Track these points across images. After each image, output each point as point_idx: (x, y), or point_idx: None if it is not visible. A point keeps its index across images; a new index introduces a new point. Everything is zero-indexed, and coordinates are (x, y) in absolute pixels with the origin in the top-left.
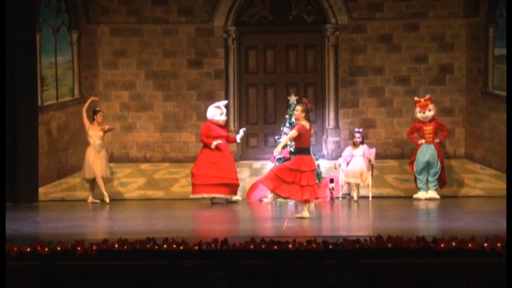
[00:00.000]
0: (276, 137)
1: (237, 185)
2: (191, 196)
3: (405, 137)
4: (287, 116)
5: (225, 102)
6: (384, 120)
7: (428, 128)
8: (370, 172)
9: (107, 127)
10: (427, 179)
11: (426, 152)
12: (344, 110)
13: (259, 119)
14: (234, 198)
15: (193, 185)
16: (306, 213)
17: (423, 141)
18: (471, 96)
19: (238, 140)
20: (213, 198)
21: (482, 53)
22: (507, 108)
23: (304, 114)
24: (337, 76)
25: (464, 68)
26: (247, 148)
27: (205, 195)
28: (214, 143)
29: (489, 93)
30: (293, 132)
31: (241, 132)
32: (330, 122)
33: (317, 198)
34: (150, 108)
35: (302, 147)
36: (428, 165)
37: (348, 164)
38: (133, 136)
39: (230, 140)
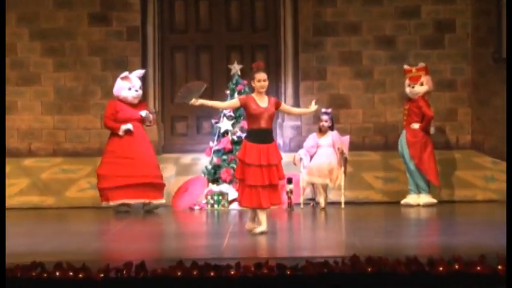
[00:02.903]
0: (213, 121)
1: (161, 185)
2: (103, 204)
3: (390, 119)
4: (228, 92)
5: (140, 72)
6: (361, 97)
7: (406, 108)
8: (343, 169)
9: None
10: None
11: (401, 142)
12: (306, 84)
13: None
14: (155, 202)
15: (101, 190)
16: (264, 225)
17: (416, 126)
18: (479, 64)
19: (147, 119)
20: (126, 205)
21: (493, 4)
22: (507, 108)
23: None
24: (297, 36)
25: (469, 26)
26: (173, 136)
27: (124, 201)
28: (123, 127)
29: (503, 61)
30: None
31: (144, 113)
32: (287, 100)
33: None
34: (36, 81)
35: (257, 129)
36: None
37: (311, 157)
38: (12, 120)
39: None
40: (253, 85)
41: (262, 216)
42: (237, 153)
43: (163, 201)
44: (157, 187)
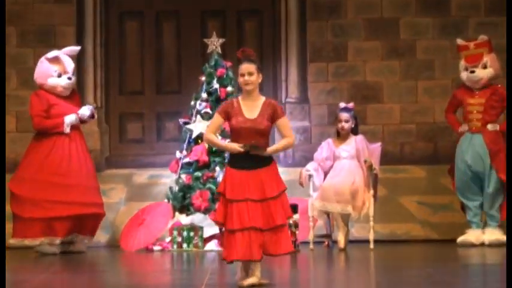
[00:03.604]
0: (182, 121)
1: (101, 216)
2: (11, 241)
3: (440, 118)
4: (204, 78)
5: (74, 49)
6: (398, 85)
7: (477, 102)
8: (372, 191)
9: None
10: (481, 205)
11: (468, 150)
12: (318, 66)
13: (145, 83)
14: (87, 241)
15: (15, 218)
16: (257, 275)
17: (466, 127)
18: None
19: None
20: (52, 244)
21: None
22: (507, 110)
23: (260, 74)
24: None
25: None
26: (122, 143)
27: (50, 239)
28: (68, 120)
29: None
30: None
31: (87, 109)
32: (290, 90)
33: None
34: None
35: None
36: (476, 177)
37: (325, 174)
38: None
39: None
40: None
41: (255, 264)
42: (217, 186)
43: (91, 239)
44: (95, 218)
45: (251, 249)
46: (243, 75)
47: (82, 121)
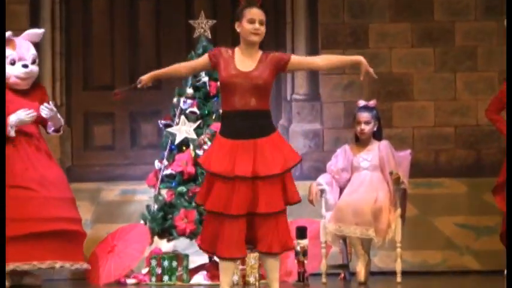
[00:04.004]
0: (162, 123)
1: (81, 236)
2: None
3: (485, 118)
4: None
5: (35, 32)
6: (433, 78)
7: None
8: (399, 211)
9: None
10: None
11: None
12: (331, 53)
13: (116, 76)
14: (73, 266)
15: None
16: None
17: None
18: None
19: (50, 129)
20: (26, 273)
21: None
22: (507, 110)
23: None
24: None
25: None
26: (88, 151)
27: (19, 266)
28: (12, 120)
29: None
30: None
31: (44, 110)
32: (298, 84)
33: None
34: None
35: (234, 111)
36: None
37: (341, 190)
38: None
39: (44, 123)
40: (238, 30)
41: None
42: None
43: (85, 265)
44: (76, 239)
45: (233, 243)
46: (252, 21)
47: (43, 123)
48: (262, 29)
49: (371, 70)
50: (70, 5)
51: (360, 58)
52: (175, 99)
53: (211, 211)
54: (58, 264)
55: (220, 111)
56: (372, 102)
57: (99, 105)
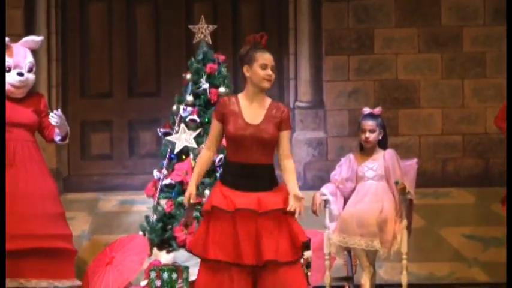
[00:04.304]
0: (161, 131)
1: (72, 253)
2: None
3: (494, 126)
4: (189, 76)
5: (33, 40)
6: (440, 85)
7: None
8: (405, 222)
9: None
10: None
11: None
12: (336, 60)
13: (114, 83)
14: (63, 285)
15: None
16: None
17: None
18: None
19: (57, 137)
20: None
21: None
22: (507, 110)
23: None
24: None
25: None
26: (85, 160)
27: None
28: None
29: None
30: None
31: (54, 118)
32: (301, 91)
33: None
34: None
35: (239, 163)
36: None
37: (345, 200)
38: None
39: (49, 136)
40: (247, 74)
41: None
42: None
43: (78, 282)
44: (65, 256)
45: None
46: (265, 67)
47: (41, 132)
48: (273, 75)
49: (296, 205)
50: (66, 9)
51: (296, 194)
52: (174, 107)
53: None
54: (45, 283)
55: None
56: (377, 110)
57: (97, 113)
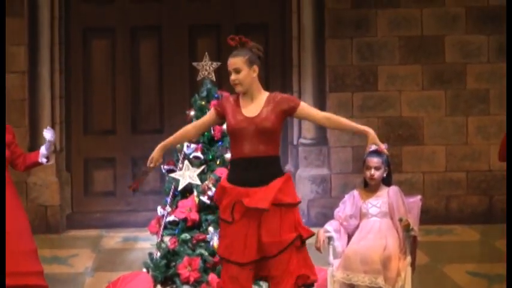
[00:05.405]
0: (165, 168)
1: None
2: None
3: (498, 164)
4: (193, 113)
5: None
6: (443, 122)
7: None
8: (409, 259)
9: None
10: None
11: None
12: (340, 97)
13: (117, 120)
14: None
15: None
16: None
17: None
18: None
19: (43, 159)
20: None
21: None
22: (507, 110)
23: (254, 66)
24: (322, 7)
25: None
26: (88, 197)
27: None
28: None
29: None
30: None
31: (49, 133)
32: (305, 128)
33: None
34: None
35: (243, 159)
36: None
37: (349, 237)
38: None
39: (24, 163)
40: None
41: None
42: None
43: None
44: (33, 279)
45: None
46: (230, 73)
47: (13, 163)
48: (240, 77)
49: (380, 143)
50: (70, 46)
51: (369, 130)
52: (178, 144)
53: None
54: None
55: (226, 156)
56: (384, 147)
57: (100, 150)
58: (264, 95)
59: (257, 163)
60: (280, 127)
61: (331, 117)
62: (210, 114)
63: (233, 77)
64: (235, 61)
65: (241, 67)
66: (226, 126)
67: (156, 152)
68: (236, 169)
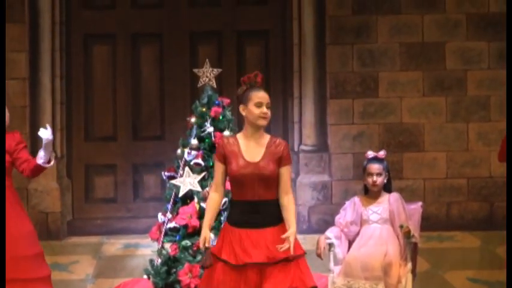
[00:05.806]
0: (165, 175)
1: (46, 279)
2: None
3: (499, 170)
4: (193, 120)
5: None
6: (444, 128)
7: None
8: (410, 265)
9: None
10: None
11: None
12: (341, 104)
13: (118, 127)
14: None
15: None
16: None
17: None
18: None
19: (40, 160)
20: None
21: None
22: (507, 111)
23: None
24: (323, 14)
25: None
26: (89, 204)
27: None
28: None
29: None
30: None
31: (46, 132)
32: (305, 134)
33: None
34: None
35: (243, 202)
36: None
37: (350, 244)
38: None
39: (28, 168)
40: (243, 113)
41: None
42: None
43: None
44: (38, 285)
45: None
46: (260, 105)
47: (15, 164)
48: (269, 113)
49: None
50: (71, 52)
51: (292, 229)
52: (179, 151)
53: None
54: None
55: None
56: (382, 154)
57: (101, 156)
58: (266, 137)
59: (257, 207)
60: (277, 173)
61: (287, 200)
62: (219, 168)
63: (265, 110)
64: (267, 96)
65: (270, 104)
66: (228, 171)
67: (205, 231)
68: (237, 211)
